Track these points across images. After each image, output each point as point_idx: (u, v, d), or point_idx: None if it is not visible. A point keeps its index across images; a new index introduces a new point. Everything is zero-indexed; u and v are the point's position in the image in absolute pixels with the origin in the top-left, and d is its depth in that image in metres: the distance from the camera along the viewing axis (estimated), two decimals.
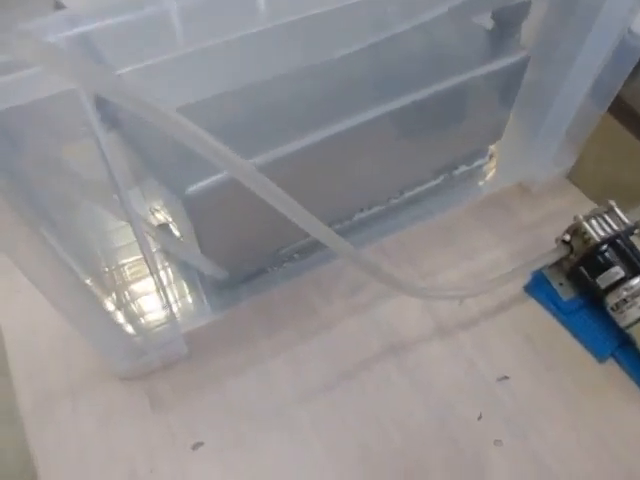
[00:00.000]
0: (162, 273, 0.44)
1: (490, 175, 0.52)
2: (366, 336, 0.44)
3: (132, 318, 0.41)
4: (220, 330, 0.44)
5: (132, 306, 0.42)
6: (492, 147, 0.50)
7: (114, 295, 0.41)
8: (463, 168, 0.50)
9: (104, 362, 0.42)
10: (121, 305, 0.41)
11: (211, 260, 0.40)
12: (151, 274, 0.37)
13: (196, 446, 0.40)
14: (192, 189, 0.34)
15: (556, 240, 0.45)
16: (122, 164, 0.33)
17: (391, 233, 0.49)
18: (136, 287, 0.43)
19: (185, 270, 0.46)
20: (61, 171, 0.31)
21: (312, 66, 0.38)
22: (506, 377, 0.42)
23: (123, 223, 0.42)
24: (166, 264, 0.45)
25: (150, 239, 0.38)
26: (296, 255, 0.45)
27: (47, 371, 0.42)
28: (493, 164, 0.51)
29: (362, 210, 0.47)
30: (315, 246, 0.47)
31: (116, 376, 0.42)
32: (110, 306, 0.40)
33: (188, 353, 0.43)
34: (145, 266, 0.42)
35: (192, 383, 0.42)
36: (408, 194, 0.49)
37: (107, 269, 0.42)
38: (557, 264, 0.45)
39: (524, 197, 0.52)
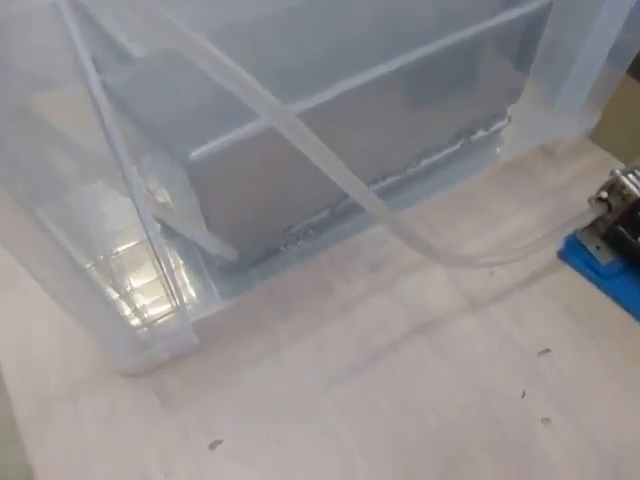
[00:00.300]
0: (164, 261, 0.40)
1: (510, 139, 0.48)
2: (391, 315, 0.41)
3: (135, 308, 0.37)
4: (232, 318, 0.41)
5: (135, 295, 0.38)
6: (510, 110, 0.47)
7: (114, 283, 0.37)
8: (481, 133, 0.47)
9: (106, 358, 0.38)
10: (123, 294, 0.37)
11: (219, 238, 0.36)
12: (156, 258, 0.33)
13: (214, 445, 0.36)
14: (196, 153, 0.31)
15: (589, 200, 0.42)
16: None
17: (409, 205, 0.45)
18: (138, 274, 0.39)
19: (189, 255, 0.42)
20: (47, 132, 0.27)
21: (319, 14, 0.35)
22: (547, 350, 0.39)
23: (121, 205, 0.39)
24: (168, 250, 0.41)
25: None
26: (311, 231, 0.42)
27: (44, 372, 0.38)
28: (512, 128, 0.48)
29: (377, 181, 0.44)
30: (330, 222, 0.43)
31: (120, 373, 0.38)
32: (111, 295, 0.36)
33: (199, 344, 0.39)
34: (146, 251, 0.39)
35: (205, 376, 0.38)
36: (425, 162, 0.45)
37: (106, 255, 0.39)
38: (591, 226, 0.42)
39: (547, 160, 0.49)
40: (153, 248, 0.32)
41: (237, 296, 0.41)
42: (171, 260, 0.41)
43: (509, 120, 0.47)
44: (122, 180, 0.27)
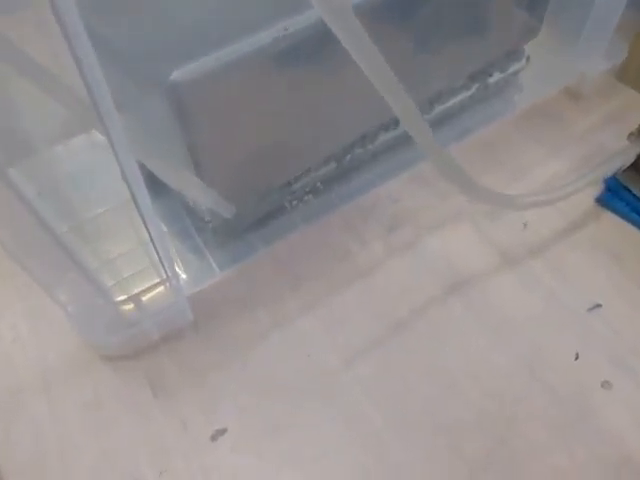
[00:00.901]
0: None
1: (530, 83, 0.44)
2: (415, 277, 0.35)
3: (118, 280, 0.32)
4: (231, 290, 0.35)
5: (117, 264, 0.32)
6: (529, 50, 0.42)
7: (93, 250, 0.31)
8: (497, 76, 0.42)
9: (86, 341, 0.32)
10: (103, 261, 0.31)
11: (212, 188, 0.31)
12: (141, 219, 0.27)
13: (216, 435, 0.30)
14: (178, 74, 0.25)
15: (629, 136, 0.37)
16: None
17: (423, 157, 0.40)
18: (119, 240, 0.33)
19: (176, 220, 0.36)
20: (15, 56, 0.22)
21: None
22: (598, 305, 0.34)
23: (100, 163, 0.33)
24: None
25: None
26: (319, 185, 0.37)
27: (10, 359, 0.32)
28: (532, 70, 0.43)
29: (387, 129, 0.39)
30: (338, 177, 0.38)
31: (102, 356, 0.32)
32: (90, 263, 0.31)
33: (194, 321, 0.34)
34: (128, 216, 0.33)
35: (203, 358, 0.33)
36: (440, 108, 0.40)
37: (82, 219, 0.33)
38: (633, 166, 0.37)
39: (573, 103, 0.44)
40: (137, 205, 0.27)
41: (236, 265, 0.35)
42: (161, 225, 0.36)
43: (527, 60, 0.43)
44: (99, 118, 0.22)
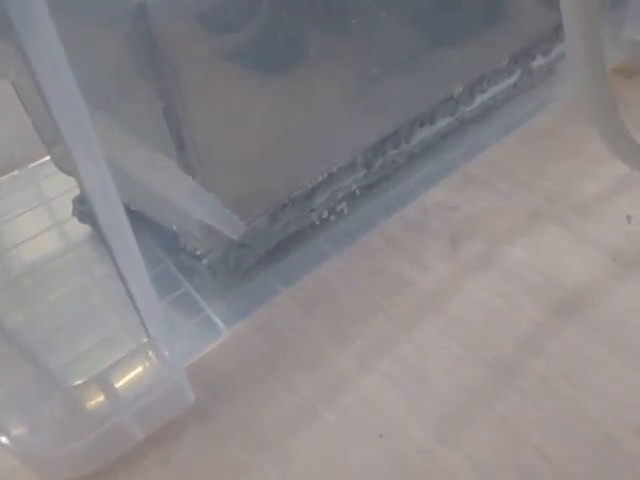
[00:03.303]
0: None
1: None
2: (507, 300, 0.25)
3: (75, 352, 0.20)
4: (247, 351, 0.24)
5: (71, 326, 0.21)
6: None
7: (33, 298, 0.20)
8: (541, 60, 0.35)
9: (23, 455, 0.19)
10: (49, 330, 0.20)
11: (210, 192, 0.20)
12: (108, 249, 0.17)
13: None
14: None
15: None
16: None
17: (476, 153, 0.31)
18: (66, 286, 0.22)
19: (155, 262, 0.26)
20: None
21: None
22: None
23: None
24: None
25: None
26: (348, 196, 0.27)
27: None
28: None
29: (423, 123, 0.30)
30: (371, 188, 0.29)
31: None
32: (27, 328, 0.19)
33: (196, 405, 0.22)
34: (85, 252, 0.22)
35: (217, 462, 0.21)
36: (482, 97, 0.32)
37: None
38: None
39: (624, 79, 0.37)
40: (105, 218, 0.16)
41: (248, 316, 0.24)
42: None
43: None
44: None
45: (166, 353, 0.21)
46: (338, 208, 0.27)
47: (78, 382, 0.20)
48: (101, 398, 0.20)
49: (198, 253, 0.24)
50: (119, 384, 0.20)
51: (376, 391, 0.22)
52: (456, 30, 0.29)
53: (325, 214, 0.27)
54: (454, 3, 0.28)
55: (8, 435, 0.18)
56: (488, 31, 0.31)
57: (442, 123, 0.31)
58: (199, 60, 0.18)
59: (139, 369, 0.21)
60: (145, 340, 0.21)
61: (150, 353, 0.21)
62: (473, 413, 0.21)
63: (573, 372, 0.22)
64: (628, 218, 0.28)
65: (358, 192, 0.28)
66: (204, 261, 0.24)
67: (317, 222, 0.26)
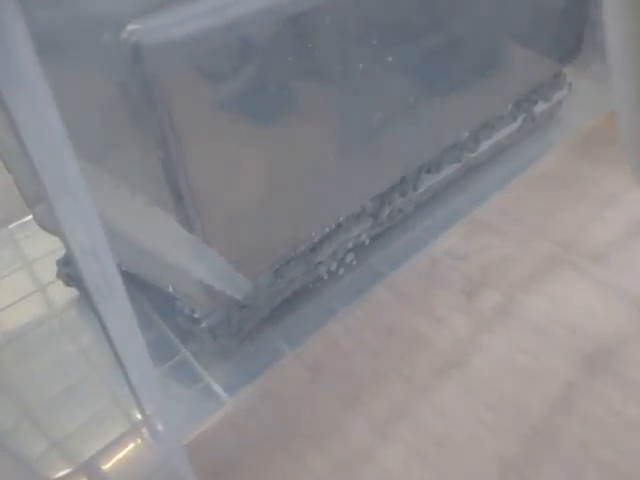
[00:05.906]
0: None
1: (575, 110, 0.36)
2: (533, 357, 0.23)
3: (57, 437, 0.18)
4: (251, 422, 0.21)
5: (52, 404, 0.18)
6: (571, 77, 0.35)
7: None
8: (543, 105, 0.34)
9: None
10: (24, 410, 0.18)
11: (215, 250, 0.19)
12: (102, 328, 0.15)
13: None
14: (137, 27, 0.15)
15: None
16: None
17: (482, 198, 0.30)
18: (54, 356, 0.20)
19: (148, 326, 0.23)
20: None
21: None
22: None
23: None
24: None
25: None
26: (354, 247, 0.25)
27: None
28: (577, 96, 0.36)
29: (430, 171, 0.29)
30: (378, 234, 0.27)
31: None
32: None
33: None
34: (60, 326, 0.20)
35: None
36: (485, 144, 0.31)
37: None
38: None
39: None
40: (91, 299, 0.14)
41: (252, 382, 0.22)
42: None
43: (570, 88, 0.35)
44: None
45: (162, 430, 0.19)
46: (347, 259, 0.26)
47: (60, 474, 0.18)
48: None
49: (196, 315, 0.22)
50: (109, 472, 0.18)
51: (398, 465, 0.20)
52: (461, 79, 0.28)
53: (334, 266, 0.25)
54: (458, 53, 0.27)
55: None
56: (492, 79, 0.30)
57: (448, 170, 0.30)
58: (198, 106, 0.17)
59: (132, 454, 0.18)
60: (139, 417, 0.19)
61: (144, 431, 0.19)
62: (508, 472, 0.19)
63: (614, 435, 0.20)
64: None
65: (367, 242, 0.26)
66: (203, 324, 0.22)
67: (325, 276, 0.25)
